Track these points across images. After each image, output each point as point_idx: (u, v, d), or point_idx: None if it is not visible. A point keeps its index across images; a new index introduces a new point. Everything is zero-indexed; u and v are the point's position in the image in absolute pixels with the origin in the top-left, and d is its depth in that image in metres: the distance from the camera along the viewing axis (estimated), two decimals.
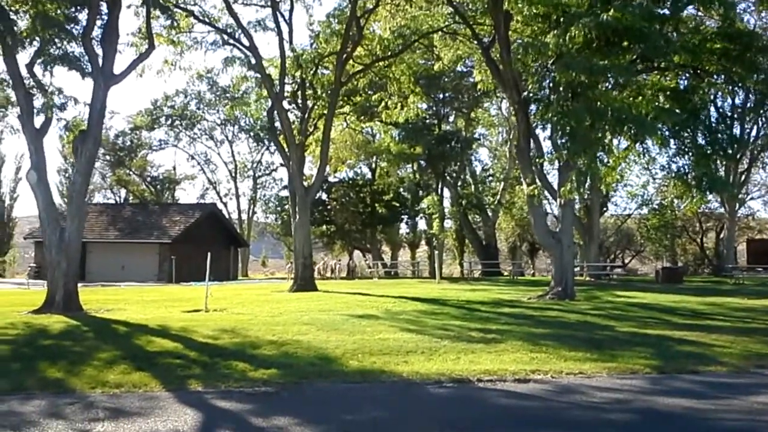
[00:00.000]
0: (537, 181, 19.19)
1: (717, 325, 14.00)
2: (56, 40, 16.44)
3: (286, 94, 26.30)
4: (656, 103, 15.86)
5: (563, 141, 15.98)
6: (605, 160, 15.76)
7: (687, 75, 21.15)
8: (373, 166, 47.82)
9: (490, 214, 56.14)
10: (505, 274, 58.93)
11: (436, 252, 38.81)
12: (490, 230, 56.37)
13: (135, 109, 67.54)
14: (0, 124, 22.20)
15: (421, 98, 29.73)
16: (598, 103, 14.97)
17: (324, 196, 45.86)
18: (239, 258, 52.58)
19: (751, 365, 9.74)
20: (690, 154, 18.75)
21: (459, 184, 54.50)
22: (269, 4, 24.43)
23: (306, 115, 25.84)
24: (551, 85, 16.32)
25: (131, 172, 62.09)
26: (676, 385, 8.44)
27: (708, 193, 19.64)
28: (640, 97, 15.59)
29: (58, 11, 16.11)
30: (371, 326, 13.38)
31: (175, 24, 18.32)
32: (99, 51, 16.92)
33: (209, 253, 18.19)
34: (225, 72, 26.08)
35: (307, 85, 25.93)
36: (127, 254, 44.44)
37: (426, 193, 39.58)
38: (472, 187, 56.52)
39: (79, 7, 16.92)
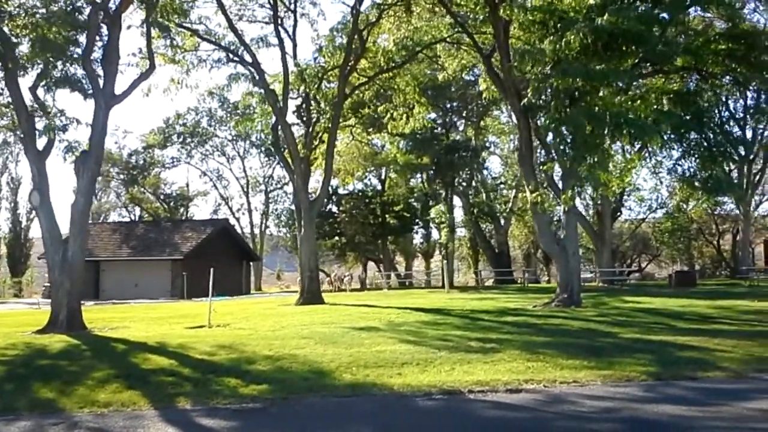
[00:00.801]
0: (539, 187, 19.04)
1: (722, 329, 13.79)
2: (57, 62, 16.58)
3: (291, 108, 26.44)
4: (656, 106, 15.68)
5: (563, 147, 15.87)
6: (606, 166, 15.57)
7: (692, 77, 21.02)
8: (383, 177, 47.84)
9: (502, 222, 56.04)
10: (519, 281, 58.83)
11: (445, 261, 38.59)
12: (503, 238, 56.10)
13: (148, 128, 67.66)
14: None
15: (427, 108, 29.65)
16: (596, 108, 14.84)
17: (334, 209, 45.96)
18: (252, 272, 52.69)
19: (751, 370, 9.55)
20: (696, 156, 18.55)
21: (470, 192, 54.43)
22: (272, 21, 24.58)
23: (310, 129, 25.91)
24: (549, 91, 16.23)
25: (145, 190, 62.65)
26: (669, 392, 8.28)
27: (714, 195, 19.40)
28: (639, 101, 15.43)
29: (59, 34, 16.24)
30: (370, 338, 13.30)
31: (175, 44, 18.46)
32: (100, 72, 17.09)
33: (212, 269, 18.13)
34: (230, 89, 26.09)
35: (311, 99, 26.02)
36: (140, 272, 44.73)
37: (435, 203, 39.41)
38: (484, 195, 56.40)
39: (79, 30, 17.05)
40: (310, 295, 23.66)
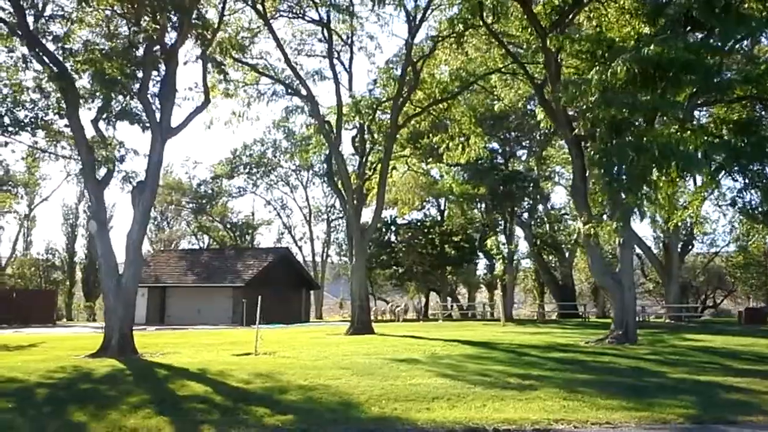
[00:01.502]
0: (592, 219, 18.53)
1: None
2: (116, 97, 17.32)
3: (347, 139, 26.80)
4: (707, 138, 15.12)
5: (607, 179, 15.44)
6: (654, 198, 15.03)
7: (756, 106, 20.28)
8: (442, 207, 47.70)
9: (567, 254, 54.97)
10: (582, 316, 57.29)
11: (500, 294, 37.97)
12: (567, 270, 54.98)
13: (216, 159, 69.96)
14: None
15: (483, 138, 29.52)
16: (644, 139, 14.42)
17: (393, 238, 46.04)
18: (312, 300, 53.09)
19: None
20: (758, 187, 17.74)
21: (532, 223, 53.63)
22: (327, 55, 25.11)
23: (364, 159, 26.17)
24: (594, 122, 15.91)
25: (213, 219, 64.39)
26: None
27: None
28: (690, 132, 14.92)
29: (117, 70, 16.99)
30: (408, 371, 13.16)
31: (229, 78, 19.09)
32: (159, 104, 17.75)
33: (260, 297, 18.39)
34: (287, 121, 26.66)
35: (366, 129, 26.31)
36: (203, 298, 45.74)
37: (492, 234, 38.95)
38: (547, 226, 55.48)
39: (137, 65, 17.77)
40: (360, 326, 23.67)
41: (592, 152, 15.66)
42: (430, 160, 33.86)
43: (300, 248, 63.99)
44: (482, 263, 56.50)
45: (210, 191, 61.26)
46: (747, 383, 11.43)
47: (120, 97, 17.74)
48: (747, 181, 18.10)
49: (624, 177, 14.79)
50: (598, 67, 15.32)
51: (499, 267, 34.96)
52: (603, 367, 13.92)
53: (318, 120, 24.92)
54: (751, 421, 8.73)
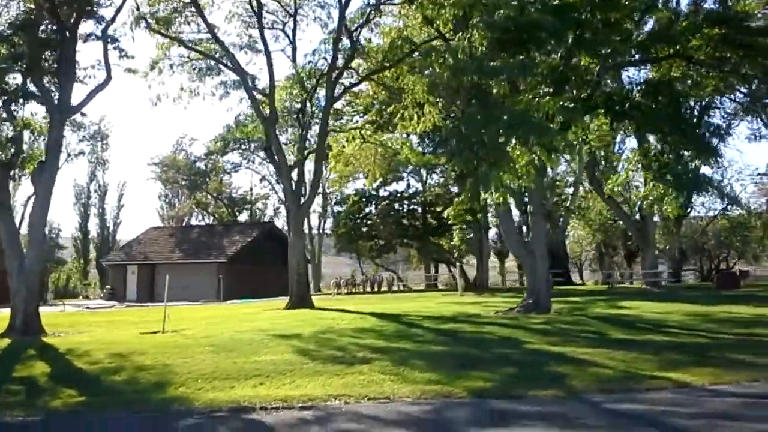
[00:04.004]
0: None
1: (651, 341, 12.65)
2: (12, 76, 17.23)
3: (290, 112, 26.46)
4: (562, 102, 14.42)
5: (458, 149, 14.86)
6: (509, 168, 14.38)
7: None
8: (425, 178, 47.21)
9: (560, 222, 54.18)
10: (581, 282, 56.68)
11: (458, 264, 37.57)
12: (559, 237, 54.26)
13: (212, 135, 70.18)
14: None
15: (438, 107, 28.90)
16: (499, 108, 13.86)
17: (374, 211, 45.76)
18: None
19: (594, 391, 8.58)
20: (670, 150, 16.98)
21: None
22: (258, 27, 24.67)
23: (305, 133, 25.85)
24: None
25: (210, 195, 64.61)
26: (452, 412, 7.61)
27: (691, 193, 17.72)
28: (548, 97, 14.25)
29: (11, 49, 16.87)
30: (274, 347, 13.00)
31: (128, 55, 18.78)
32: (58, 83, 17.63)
33: (167, 276, 18.37)
34: (228, 95, 26.35)
35: (308, 103, 25.94)
36: (189, 274, 45.94)
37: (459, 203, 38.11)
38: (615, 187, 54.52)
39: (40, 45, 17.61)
40: (298, 300, 23.57)
41: (447, 121, 15.13)
42: (386, 130, 33.17)
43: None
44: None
45: (204, 168, 61.40)
46: (594, 355, 10.99)
47: (19, 76, 17.59)
48: (663, 145, 17.33)
49: (476, 146, 14.23)
50: (461, 34, 14.73)
51: (456, 236, 34.48)
52: (474, 338, 13.63)
53: (249, 94, 24.57)
54: (537, 396, 8.38)
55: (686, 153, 17.04)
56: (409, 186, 48.39)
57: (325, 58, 25.55)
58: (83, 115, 24.22)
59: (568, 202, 52.69)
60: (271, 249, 48.13)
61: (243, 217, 64.77)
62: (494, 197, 14.60)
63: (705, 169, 19.07)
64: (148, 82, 25.07)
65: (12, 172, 17.91)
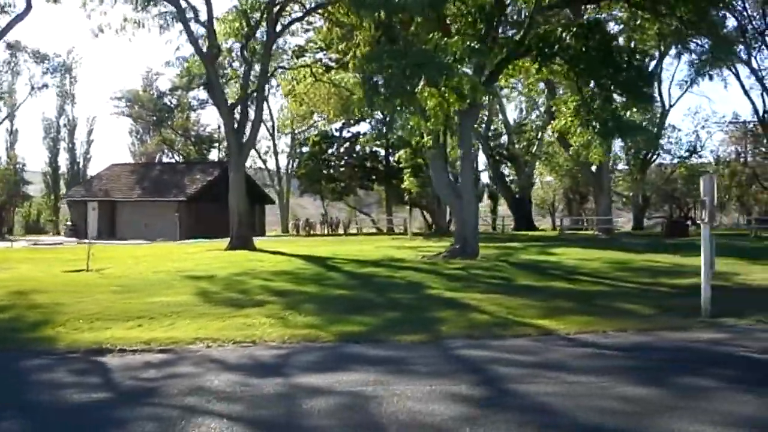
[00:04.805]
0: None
1: (552, 287, 12.79)
2: None
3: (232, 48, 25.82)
4: (469, 43, 14.06)
5: (365, 87, 14.53)
6: (416, 110, 14.11)
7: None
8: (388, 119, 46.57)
9: (526, 167, 54.17)
10: (549, 228, 57.04)
11: (408, 208, 37.63)
12: (525, 183, 54.44)
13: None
14: None
15: None
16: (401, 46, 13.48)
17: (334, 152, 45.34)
18: (274, 215, 52.80)
19: (459, 335, 8.61)
20: (596, 98, 16.74)
21: (489, 135, 52.70)
22: None
23: (248, 69, 25.22)
24: None
25: (176, 133, 63.59)
26: (287, 355, 7.61)
27: (615, 139, 17.57)
28: (456, 37, 13.89)
29: None
30: (179, 289, 13.01)
31: None
32: None
33: (93, 210, 18.11)
34: (169, 29, 25.42)
35: (251, 38, 25.19)
36: (149, 212, 45.71)
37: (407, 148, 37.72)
38: (505, 138, 54.57)
39: None
40: (238, 241, 23.43)
41: (356, 62, 14.78)
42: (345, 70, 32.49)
43: (265, 162, 63.42)
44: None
45: (169, 104, 60.25)
46: (484, 301, 11.07)
47: None
48: (593, 90, 17.05)
49: (381, 85, 13.92)
50: None
51: (408, 180, 34.36)
52: (382, 283, 13.74)
53: (185, 27, 23.81)
54: (399, 340, 8.36)
55: (617, 99, 16.82)
56: (372, 127, 47.86)
57: None
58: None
59: (534, 148, 52.72)
60: None
61: (213, 156, 63.99)
62: (408, 137, 14.34)
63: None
64: (86, 12, 24.18)
65: None
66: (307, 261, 17.95)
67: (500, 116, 53.60)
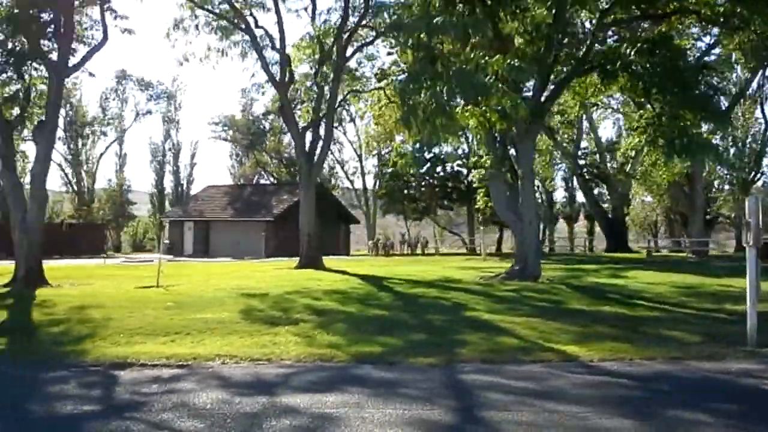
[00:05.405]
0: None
1: (601, 311, 12.23)
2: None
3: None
4: (510, 61, 13.58)
5: (404, 108, 14.28)
6: (454, 130, 13.76)
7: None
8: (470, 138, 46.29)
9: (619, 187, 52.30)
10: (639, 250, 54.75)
11: (480, 228, 36.90)
12: (617, 203, 52.52)
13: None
14: None
15: None
16: (441, 66, 13.25)
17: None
18: (350, 235, 53.56)
19: (476, 359, 8.36)
20: (666, 111, 15.90)
21: (579, 153, 51.36)
22: None
23: (322, 95, 25.70)
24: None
25: (267, 154, 65.72)
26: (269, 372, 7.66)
27: (682, 158, 16.56)
28: (498, 56, 13.48)
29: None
30: (226, 306, 13.21)
31: (119, 16, 19.03)
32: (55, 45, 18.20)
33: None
34: (247, 56, 26.33)
35: (323, 63, 25.70)
36: (240, 232, 47.40)
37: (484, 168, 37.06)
38: (598, 157, 52.95)
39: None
40: (307, 260, 23.80)
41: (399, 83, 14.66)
42: None
43: (352, 183, 64.40)
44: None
45: (261, 127, 62.37)
46: (520, 324, 10.70)
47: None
48: (660, 108, 16.20)
49: (421, 106, 13.66)
50: None
51: (480, 200, 33.80)
52: (425, 304, 13.59)
53: (259, 55, 24.59)
54: (412, 363, 8.21)
55: (687, 117, 15.97)
56: (456, 148, 47.65)
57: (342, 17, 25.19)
58: (92, 75, 24.25)
59: (629, 166, 50.83)
60: (318, 209, 48.66)
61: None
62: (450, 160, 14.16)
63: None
64: (171, 42, 25.52)
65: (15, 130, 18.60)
66: (364, 281, 18.00)
67: (591, 134, 52.09)
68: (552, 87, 17.53)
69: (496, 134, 17.90)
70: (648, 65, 15.55)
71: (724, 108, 16.44)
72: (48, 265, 28.00)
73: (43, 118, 18.32)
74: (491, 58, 13.00)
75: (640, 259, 32.51)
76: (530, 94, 17.40)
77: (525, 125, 16.75)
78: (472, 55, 13.23)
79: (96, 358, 8.83)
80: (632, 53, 15.66)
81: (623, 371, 7.62)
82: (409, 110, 13.55)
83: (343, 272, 21.63)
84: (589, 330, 10.28)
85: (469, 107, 14.17)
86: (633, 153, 50.75)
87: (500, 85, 13.35)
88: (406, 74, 14.70)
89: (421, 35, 13.70)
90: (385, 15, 17.23)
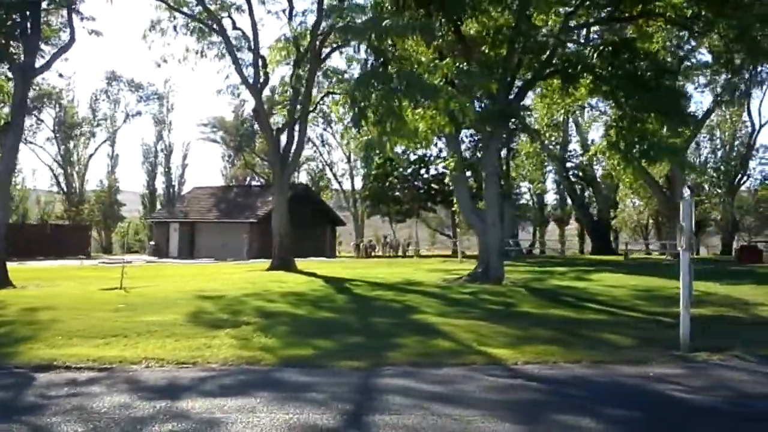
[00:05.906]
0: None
1: (548, 314, 12.22)
2: None
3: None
4: (459, 65, 13.57)
5: (354, 111, 14.28)
6: (405, 132, 13.78)
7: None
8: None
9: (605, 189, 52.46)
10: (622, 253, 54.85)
11: (458, 230, 36.89)
12: (604, 206, 52.71)
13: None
14: None
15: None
16: (392, 70, 13.24)
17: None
18: (335, 237, 53.55)
19: (403, 363, 8.34)
20: (625, 118, 15.89)
21: (565, 156, 51.49)
22: None
23: (297, 98, 25.71)
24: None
25: (257, 156, 65.60)
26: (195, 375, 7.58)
27: (640, 162, 16.52)
28: (447, 59, 13.46)
29: None
30: (178, 308, 13.13)
31: (86, 18, 19.01)
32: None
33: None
34: (224, 57, 26.30)
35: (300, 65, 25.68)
36: (225, 233, 47.29)
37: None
38: (585, 159, 53.01)
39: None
40: (280, 262, 23.77)
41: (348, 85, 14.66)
42: None
43: (341, 184, 64.39)
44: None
45: (250, 129, 62.26)
46: (463, 327, 10.69)
47: None
48: (621, 111, 16.19)
49: (367, 110, 13.66)
50: None
51: (455, 203, 33.69)
52: (377, 306, 13.65)
53: (232, 57, 24.57)
54: (337, 366, 8.19)
55: (648, 121, 15.96)
56: (441, 150, 47.74)
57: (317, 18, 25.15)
58: (62, 75, 24.30)
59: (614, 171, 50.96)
60: (303, 211, 48.69)
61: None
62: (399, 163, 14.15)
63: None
64: (147, 44, 25.46)
65: None
66: (327, 283, 17.98)
67: (578, 137, 52.27)
68: (516, 90, 17.54)
69: (463, 137, 17.89)
70: (610, 68, 15.56)
71: (690, 112, 16.30)
72: (24, 266, 28.26)
73: (8, 120, 18.25)
74: (456, 61, 13.00)
75: (616, 262, 32.55)
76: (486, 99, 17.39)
77: (488, 130, 16.73)
78: (423, 59, 13.22)
79: (24, 361, 8.78)
80: (594, 56, 15.67)
81: (542, 374, 7.61)
82: (359, 112, 13.55)
83: (313, 274, 21.59)
84: (528, 333, 10.28)
85: (418, 110, 14.18)
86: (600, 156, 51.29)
87: (449, 89, 13.34)
88: (357, 77, 14.64)
89: (372, 38, 13.70)
90: (338, 18, 17.13)
